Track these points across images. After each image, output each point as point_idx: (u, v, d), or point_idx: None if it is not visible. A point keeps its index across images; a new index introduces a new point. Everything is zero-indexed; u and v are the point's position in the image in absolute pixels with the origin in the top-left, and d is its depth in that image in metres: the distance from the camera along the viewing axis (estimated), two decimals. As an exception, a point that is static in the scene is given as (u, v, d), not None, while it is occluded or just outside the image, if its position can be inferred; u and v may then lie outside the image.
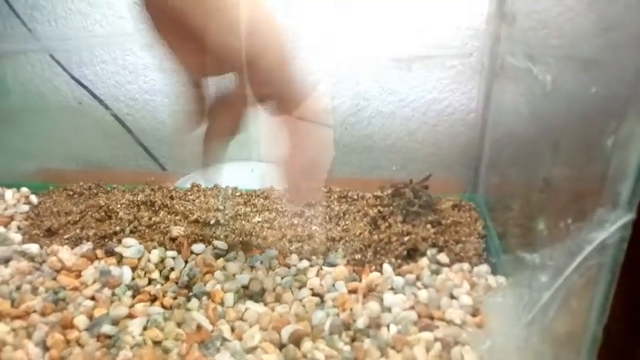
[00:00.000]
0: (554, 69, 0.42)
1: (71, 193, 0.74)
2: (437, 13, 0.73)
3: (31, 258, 0.58)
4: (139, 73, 0.88)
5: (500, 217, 0.61)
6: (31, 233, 0.64)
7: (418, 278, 0.54)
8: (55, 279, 0.55)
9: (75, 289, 0.54)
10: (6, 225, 0.66)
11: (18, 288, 0.53)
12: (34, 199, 0.72)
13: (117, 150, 0.94)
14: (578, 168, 0.39)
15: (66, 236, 0.62)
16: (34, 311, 0.50)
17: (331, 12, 0.78)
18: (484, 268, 0.55)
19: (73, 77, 0.84)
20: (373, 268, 0.56)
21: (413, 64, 0.76)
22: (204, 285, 0.53)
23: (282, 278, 0.54)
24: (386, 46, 0.76)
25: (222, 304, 0.51)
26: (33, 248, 0.59)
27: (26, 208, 0.70)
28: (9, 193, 0.73)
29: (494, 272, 0.55)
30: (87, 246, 0.59)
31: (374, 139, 0.88)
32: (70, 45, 0.86)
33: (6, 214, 0.68)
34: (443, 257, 0.57)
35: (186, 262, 0.57)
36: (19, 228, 0.65)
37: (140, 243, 0.58)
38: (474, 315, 0.49)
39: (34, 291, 0.53)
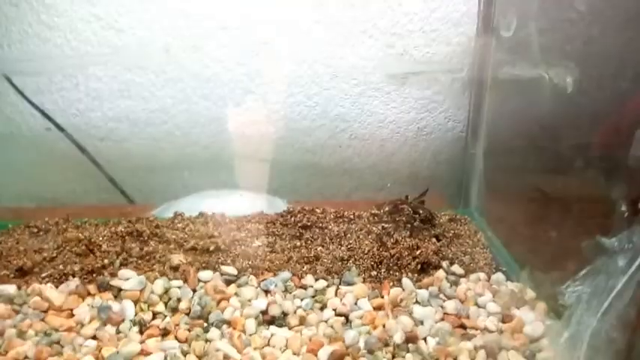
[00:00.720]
0: (574, 71, 0.44)
1: (35, 230, 0.67)
2: (426, 30, 0.75)
3: (8, 300, 0.51)
4: (104, 99, 0.82)
5: (502, 228, 0.62)
6: (0, 274, 0.56)
7: (440, 290, 0.53)
8: (43, 320, 0.48)
9: (69, 329, 0.47)
10: (-35, 268, 0.58)
11: (0, 334, 0.46)
12: (-7, 238, 0.64)
13: (75, 184, 0.87)
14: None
15: (44, 274, 0.56)
16: (26, 357, 0.44)
17: (313, 31, 0.79)
18: (500, 276, 0.55)
19: (31, 103, 0.77)
20: (391, 283, 0.54)
21: (406, 80, 0.77)
22: (222, 313, 0.48)
23: (301, 300, 0.51)
24: (377, 63, 0.77)
25: (244, 331, 0.47)
26: (9, 289, 0.52)
27: (-14, 247, 0.62)
28: (-38, 233, 0.65)
29: (509, 279, 0.55)
30: (74, 282, 0.53)
31: (353, 162, 0.87)
32: (27, 70, 0.79)
33: (-36, 256, 0.60)
34: (457, 269, 0.57)
35: (194, 291, 0.52)
36: (-17, 269, 0.57)
37: (138, 274, 0.53)
38: (504, 321, 0.49)
39: (22, 335, 0.46)
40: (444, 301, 0.52)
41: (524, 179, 0.59)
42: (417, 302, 0.51)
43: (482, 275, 0.56)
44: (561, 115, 0.52)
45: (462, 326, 0.48)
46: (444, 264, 0.57)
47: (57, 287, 0.53)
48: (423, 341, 0.46)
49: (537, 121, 0.57)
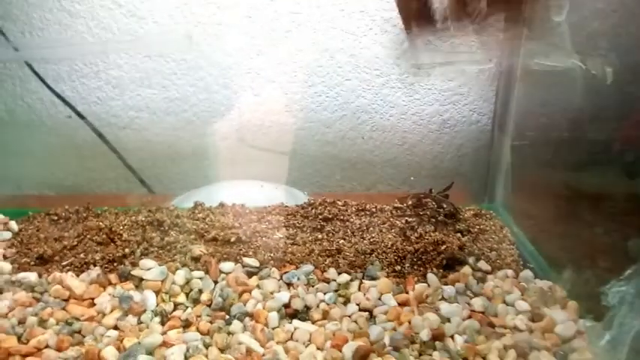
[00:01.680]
0: (614, 62, 0.42)
1: (55, 218, 0.67)
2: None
3: (29, 288, 0.51)
4: (124, 88, 0.81)
5: (529, 224, 0.60)
6: (21, 262, 0.56)
7: (467, 287, 0.51)
8: (64, 309, 0.48)
9: (90, 318, 0.47)
10: (-14, 254, 0.58)
11: (21, 322, 0.46)
12: (14, 225, 0.64)
13: (95, 173, 0.86)
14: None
15: (64, 263, 0.55)
16: (47, 346, 0.43)
17: (336, 20, 0.77)
18: (528, 273, 0.54)
19: (52, 90, 0.77)
20: (416, 279, 0.53)
21: (431, 71, 0.75)
22: (244, 305, 0.48)
23: (324, 294, 0.50)
24: (400, 53, 0.75)
25: (266, 324, 0.46)
26: (31, 277, 0.52)
27: (8, 235, 0.62)
28: (-16, 220, 0.65)
29: (538, 277, 0.53)
30: (95, 271, 0.52)
31: (374, 154, 0.86)
32: (48, 57, 0.79)
33: (-15, 243, 0.60)
34: (484, 265, 0.55)
35: (215, 282, 0.51)
36: (4, 257, 0.57)
37: (159, 264, 0.52)
38: (533, 320, 0.47)
39: (43, 324, 0.46)
40: (471, 298, 0.50)
41: (554, 174, 0.57)
42: (443, 299, 0.50)
43: (509, 272, 0.54)
44: (596, 108, 0.50)
45: (490, 324, 0.47)
46: (470, 260, 0.55)
47: (78, 276, 0.52)
48: (451, 339, 0.45)
49: (570, 114, 0.55)
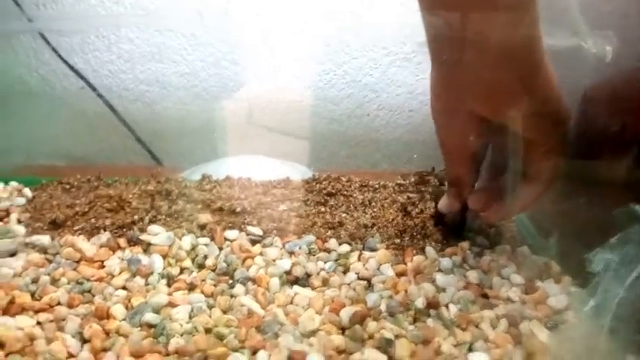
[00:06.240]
0: (612, 40, 0.43)
1: (67, 186, 0.69)
2: None
3: (42, 250, 0.53)
4: (136, 62, 0.83)
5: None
6: (34, 226, 0.58)
7: (464, 260, 0.53)
8: (75, 269, 0.50)
9: (100, 279, 0.49)
10: (2, 219, 0.60)
11: (34, 281, 0.48)
12: (28, 192, 0.67)
13: (105, 144, 0.88)
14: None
15: (76, 227, 0.57)
16: (59, 303, 0.46)
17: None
18: (525, 249, 0.55)
19: (65, 62, 0.78)
20: (414, 251, 0.55)
21: None
22: (247, 271, 0.49)
23: (324, 263, 0.52)
24: (409, 32, 0.76)
25: (268, 289, 0.48)
26: (44, 240, 0.54)
27: (22, 201, 0.64)
28: (-1, 187, 0.67)
29: (535, 253, 0.55)
30: (105, 236, 0.55)
31: (380, 132, 0.87)
32: (61, 29, 0.80)
33: (1, 207, 0.62)
34: (482, 240, 0.56)
35: (220, 249, 0.53)
36: (19, 221, 0.59)
37: (167, 231, 0.54)
38: (527, 293, 0.49)
39: (55, 283, 0.48)
40: (467, 270, 0.51)
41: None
42: (439, 270, 0.51)
43: (507, 247, 0.55)
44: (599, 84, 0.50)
45: (485, 296, 0.48)
46: (469, 235, 0.56)
47: (89, 239, 0.55)
48: (445, 308, 0.46)
49: (571, 93, 0.55)
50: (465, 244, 0.55)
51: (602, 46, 0.44)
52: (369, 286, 0.50)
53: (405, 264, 0.53)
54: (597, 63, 0.45)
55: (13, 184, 0.69)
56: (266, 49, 0.82)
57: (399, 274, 0.51)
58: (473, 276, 0.51)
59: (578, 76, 0.53)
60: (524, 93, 0.42)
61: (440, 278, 0.50)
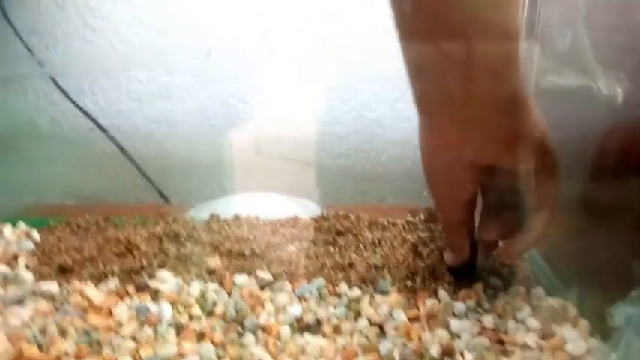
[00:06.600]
0: (623, 82, 0.42)
1: (76, 228, 0.69)
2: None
3: (50, 297, 0.52)
4: (144, 101, 0.84)
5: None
6: (42, 271, 0.58)
7: (478, 303, 0.52)
8: (83, 318, 0.49)
9: (109, 329, 0.48)
10: (9, 263, 0.60)
11: (42, 331, 0.48)
12: (36, 235, 0.66)
13: (114, 183, 0.89)
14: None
15: (84, 272, 0.57)
16: (66, 354, 0.45)
17: (351, 36, 0.78)
18: (540, 290, 0.54)
19: (75, 104, 0.79)
20: (427, 294, 0.54)
21: None
22: (257, 318, 0.49)
23: (335, 308, 0.51)
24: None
25: (278, 337, 0.47)
26: (52, 287, 0.53)
27: (30, 245, 0.64)
28: (7, 230, 0.67)
29: (550, 294, 0.54)
30: (113, 282, 0.54)
31: (387, 167, 0.87)
32: (71, 71, 0.81)
33: (9, 252, 0.62)
34: (495, 281, 0.55)
35: (229, 294, 0.52)
36: (27, 266, 0.59)
37: (175, 276, 0.54)
38: (544, 338, 0.47)
39: (62, 333, 0.47)
40: (482, 314, 0.50)
41: (566, 191, 0.57)
42: (453, 315, 0.50)
43: (521, 289, 0.54)
44: (609, 127, 0.50)
45: (500, 341, 0.47)
46: (482, 275, 0.55)
47: (97, 286, 0.54)
48: (460, 355, 0.45)
49: (582, 131, 0.55)
50: (479, 286, 0.54)
51: (613, 87, 0.44)
52: (382, 333, 0.49)
53: (418, 308, 0.52)
54: (607, 104, 0.45)
55: (22, 226, 0.69)
56: (273, 86, 0.83)
57: (412, 319, 0.50)
58: (488, 320, 0.49)
59: (585, 116, 0.53)
60: (521, 133, 0.43)
61: (454, 323, 0.49)
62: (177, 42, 0.80)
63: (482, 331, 0.48)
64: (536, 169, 0.45)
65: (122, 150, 0.83)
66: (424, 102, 0.45)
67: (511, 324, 0.49)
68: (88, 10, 0.79)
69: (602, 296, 0.39)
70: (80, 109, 0.81)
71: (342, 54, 0.81)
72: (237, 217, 0.70)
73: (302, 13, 0.78)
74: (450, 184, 0.48)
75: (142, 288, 0.53)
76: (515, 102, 0.42)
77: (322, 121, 0.85)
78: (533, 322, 0.49)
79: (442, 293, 0.53)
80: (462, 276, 0.55)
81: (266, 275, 0.55)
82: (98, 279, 0.55)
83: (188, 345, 0.46)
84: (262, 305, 0.51)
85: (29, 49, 0.76)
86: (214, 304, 0.51)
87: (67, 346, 0.45)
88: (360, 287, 0.54)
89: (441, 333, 0.47)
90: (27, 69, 0.78)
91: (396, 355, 0.45)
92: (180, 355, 0.45)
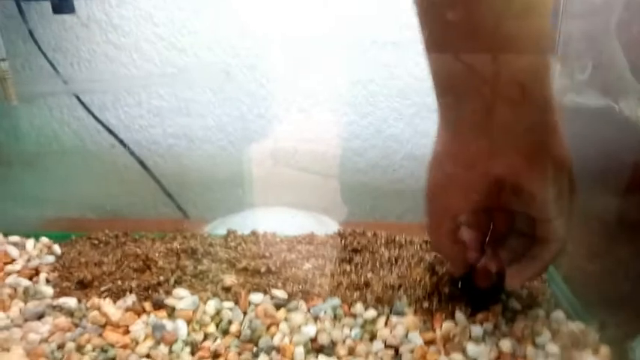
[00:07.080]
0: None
1: (96, 242, 0.70)
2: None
3: (69, 313, 0.53)
4: (164, 116, 0.85)
5: (562, 262, 0.59)
6: (62, 286, 0.59)
7: (496, 326, 0.51)
8: (100, 335, 0.50)
9: (125, 346, 0.49)
10: (31, 277, 0.61)
11: (60, 347, 0.48)
12: (57, 249, 0.67)
13: (134, 197, 0.90)
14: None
15: (102, 288, 0.58)
16: (83, 372, 0.45)
17: (369, 51, 0.78)
18: (560, 314, 0.53)
19: (98, 120, 0.81)
20: (444, 316, 0.53)
21: None
22: (272, 339, 0.49)
23: (350, 329, 0.51)
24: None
25: (292, 359, 0.47)
26: (71, 302, 0.54)
27: (51, 259, 0.65)
28: (30, 244, 0.68)
29: (570, 318, 0.52)
30: (131, 298, 0.55)
31: (405, 183, 0.86)
32: (94, 88, 0.83)
33: (30, 266, 0.63)
34: (514, 303, 0.54)
35: (244, 313, 0.52)
36: (47, 281, 0.60)
37: (192, 294, 0.54)
38: (563, 364, 0.46)
39: (80, 349, 0.48)
40: (500, 338, 0.49)
41: (588, 212, 0.56)
42: (470, 338, 0.49)
43: (540, 312, 0.53)
44: (632, 147, 0.49)
45: (519, 367, 0.46)
46: (501, 297, 0.55)
47: (115, 302, 0.55)
48: (476, 381, 0.44)
49: (604, 151, 0.54)
50: (497, 308, 0.53)
51: (636, 108, 0.43)
52: (397, 356, 0.48)
53: (434, 331, 0.51)
54: (627, 125, 0.44)
55: (44, 240, 0.70)
56: (290, 102, 0.83)
57: (428, 343, 0.49)
58: (506, 345, 0.48)
59: (607, 135, 0.52)
60: (547, 151, 0.42)
61: (471, 348, 0.48)
62: (197, 59, 0.81)
63: (500, 356, 0.47)
64: (553, 195, 0.44)
65: (142, 164, 0.84)
66: (449, 114, 0.44)
67: (530, 349, 0.48)
68: (111, 28, 0.81)
69: (626, 322, 0.38)
70: (102, 124, 0.82)
71: (359, 70, 0.81)
72: (253, 233, 0.70)
73: (320, 28, 0.79)
74: (453, 190, 0.47)
75: (158, 305, 0.54)
76: (545, 120, 0.42)
77: (340, 136, 0.85)
78: (553, 348, 0.48)
79: (459, 315, 0.52)
80: (480, 298, 0.54)
81: (281, 294, 0.54)
82: (116, 295, 0.56)
83: (203, 365, 0.46)
84: (277, 325, 0.50)
85: (54, 67, 0.78)
86: (230, 322, 0.51)
87: (84, 363, 0.46)
88: (376, 308, 0.54)
89: (458, 358, 0.47)
90: (51, 86, 0.80)
91: (412, 379, 0.44)
92: (195, 374, 0.45)
